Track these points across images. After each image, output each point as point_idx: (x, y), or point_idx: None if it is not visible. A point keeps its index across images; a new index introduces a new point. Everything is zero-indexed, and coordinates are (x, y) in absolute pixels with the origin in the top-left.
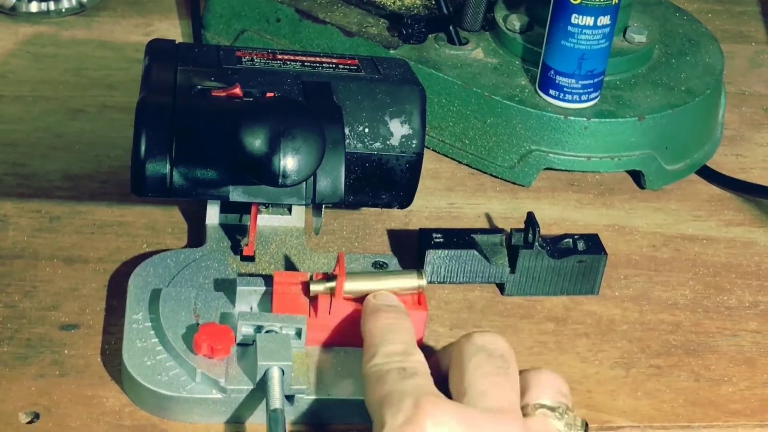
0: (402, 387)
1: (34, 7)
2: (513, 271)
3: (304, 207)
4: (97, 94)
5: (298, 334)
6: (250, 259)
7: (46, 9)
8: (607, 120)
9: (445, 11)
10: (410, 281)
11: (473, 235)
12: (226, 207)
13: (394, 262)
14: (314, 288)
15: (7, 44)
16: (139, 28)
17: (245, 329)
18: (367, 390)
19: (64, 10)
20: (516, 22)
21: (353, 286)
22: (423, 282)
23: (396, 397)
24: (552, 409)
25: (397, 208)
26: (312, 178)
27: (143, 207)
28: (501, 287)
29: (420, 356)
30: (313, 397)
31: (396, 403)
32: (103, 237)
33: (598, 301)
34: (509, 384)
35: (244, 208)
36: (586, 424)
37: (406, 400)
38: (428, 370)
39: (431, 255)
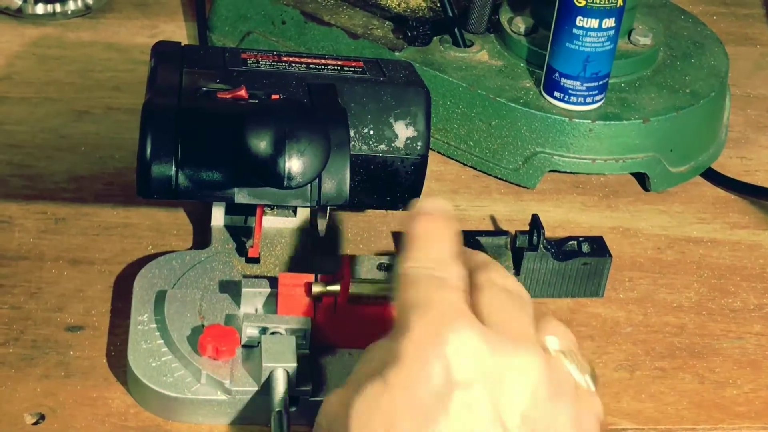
0: (433, 296)
1: (39, 9)
2: (518, 273)
3: (309, 208)
4: (102, 96)
5: (303, 335)
6: (255, 260)
7: (51, 11)
8: (612, 122)
9: (450, 13)
10: None
11: (478, 237)
12: (232, 209)
13: None
14: (319, 290)
15: (13, 46)
16: (144, 30)
17: (250, 331)
18: (398, 290)
19: (69, 11)
20: (521, 24)
21: (358, 288)
22: None
23: (424, 306)
24: (563, 353)
25: (402, 210)
26: (317, 179)
27: (149, 208)
28: None
29: (458, 268)
30: (318, 398)
31: (424, 312)
32: (108, 238)
33: (603, 303)
34: (529, 320)
35: (249, 210)
36: (595, 373)
37: (433, 311)
38: (462, 285)
39: None
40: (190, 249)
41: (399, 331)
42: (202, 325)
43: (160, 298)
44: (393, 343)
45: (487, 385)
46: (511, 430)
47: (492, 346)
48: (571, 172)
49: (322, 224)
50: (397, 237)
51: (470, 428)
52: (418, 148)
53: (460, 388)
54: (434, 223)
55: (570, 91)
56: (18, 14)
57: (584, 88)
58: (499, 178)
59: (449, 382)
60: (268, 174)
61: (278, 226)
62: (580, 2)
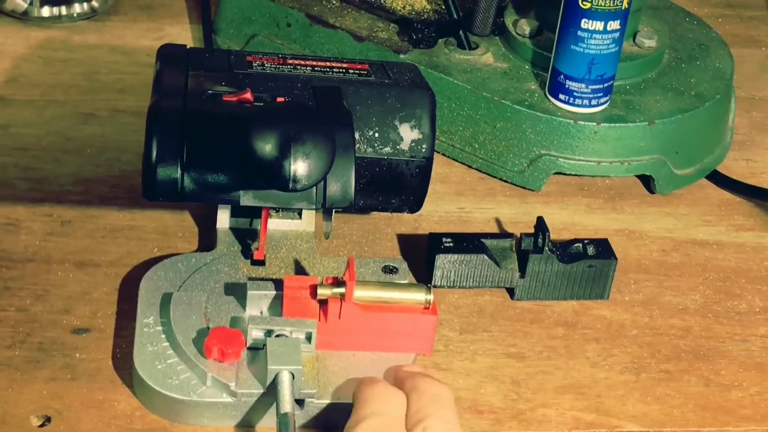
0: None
1: (45, 12)
2: (523, 275)
3: (314, 211)
4: (108, 99)
5: (308, 338)
6: (261, 263)
7: (57, 14)
8: (617, 125)
9: (455, 16)
10: (418, 296)
11: (483, 240)
12: (237, 211)
13: (404, 267)
14: (324, 292)
15: (19, 48)
16: (150, 32)
17: (255, 333)
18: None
19: (75, 14)
20: (526, 26)
21: (363, 292)
22: (430, 297)
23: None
24: None
25: (407, 213)
26: (322, 182)
27: (154, 211)
28: (511, 292)
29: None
30: (323, 401)
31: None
32: (114, 241)
33: (608, 305)
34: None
35: (254, 213)
36: None
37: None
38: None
39: (441, 259)
40: (196, 251)
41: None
42: (208, 328)
43: (166, 300)
44: None
45: None
46: None
47: None
48: (576, 175)
49: (327, 227)
50: (402, 240)
51: None
52: (423, 150)
53: None
54: (383, 387)
55: (575, 94)
56: (24, 17)
57: (589, 91)
58: (504, 181)
59: None
60: (274, 177)
61: (283, 229)
62: (585, 5)
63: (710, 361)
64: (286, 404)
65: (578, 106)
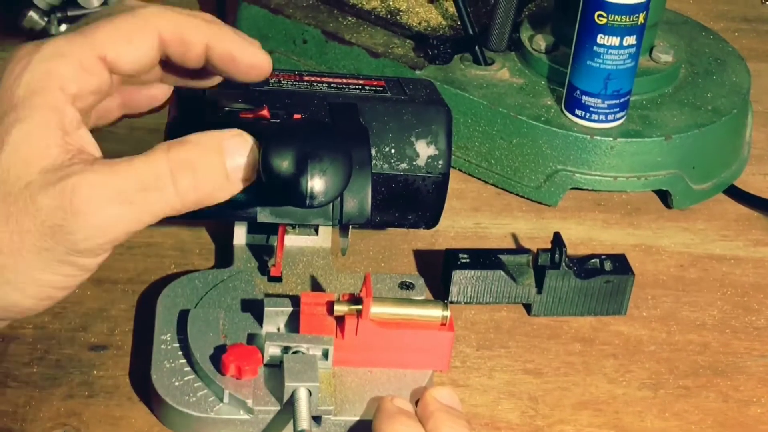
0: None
1: (63, 29)
2: (540, 291)
3: (330, 227)
4: None
5: (325, 354)
6: (278, 279)
7: None
8: (634, 140)
9: (471, 31)
10: (435, 312)
11: (499, 256)
12: (254, 228)
13: (420, 283)
14: (341, 309)
15: None
16: None
17: (272, 350)
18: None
19: None
20: (541, 42)
21: (380, 308)
22: (447, 313)
23: None
24: None
25: (424, 229)
26: (339, 198)
27: (171, 228)
28: (528, 308)
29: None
30: (340, 417)
31: None
32: (131, 258)
33: (626, 321)
34: None
35: (271, 229)
36: None
37: None
38: None
39: (457, 275)
40: (213, 268)
41: None
42: (225, 345)
43: (183, 317)
44: None
45: None
46: None
47: None
48: (592, 190)
49: (344, 243)
50: (419, 256)
51: None
52: (440, 166)
53: None
54: (404, 425)
55: (591, 109)
56: (42, 35)
57: (605, 106)
58: (521, 196)
59: None
60: (291, 193)
61: (300, 245)
62: (601, 20)
63: (729, 377)
64: (303, 421)
65: (595, 121)
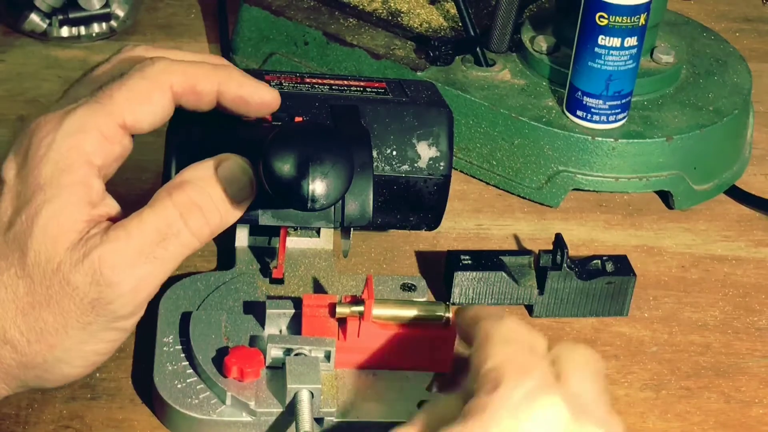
0: (527, 361)
1: (65, 32)
2: (541, 292)
3: (332, 230)
4: None
5: (327, 356)
6: (279, 281)
7: (76, 33)
8: (635, 140)
9: (472, 33)
10: (436, 313)
11: (501, 257)
12: (256, 230)
13: (422, 284)
14: (343, 311)
15: (38, 69)
16: None
17: (275, 352)
18: (480, 347)
19: (94, 34)
20: (543, 43)
21: (382, 310)
22: (449, 315)
23: (518, 370)
24: None
25: (425, 230)
26: (340, 201)
27: None
28: (529, 309)
29: (544, 339)
30: (343, 419)
31: (518, 375)
32: None
33: (628, 322)
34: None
35: (273, 231)
36: None
37: (528, 377)
38: (548, 356)
39: (459, 277)
40: (215, 270)
41: (485, 386)
42: (227, 347)
43: (186, 319)
44: (479, 399)
45: None
46: None
47: (580, 421)
48: (594, 191)
49: (345, 245)
50: (421, 257)
51: None
52: (441, 168)
53: None
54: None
55: (593, 110)
56: (43, 37)
57: (607, 107)
58: (522, 197)
59: None
60: (292, 196)
61: (302, 247)
62: (602, 21)
63: (730, 378)
64: (306, 423)
65: (596, 122)
